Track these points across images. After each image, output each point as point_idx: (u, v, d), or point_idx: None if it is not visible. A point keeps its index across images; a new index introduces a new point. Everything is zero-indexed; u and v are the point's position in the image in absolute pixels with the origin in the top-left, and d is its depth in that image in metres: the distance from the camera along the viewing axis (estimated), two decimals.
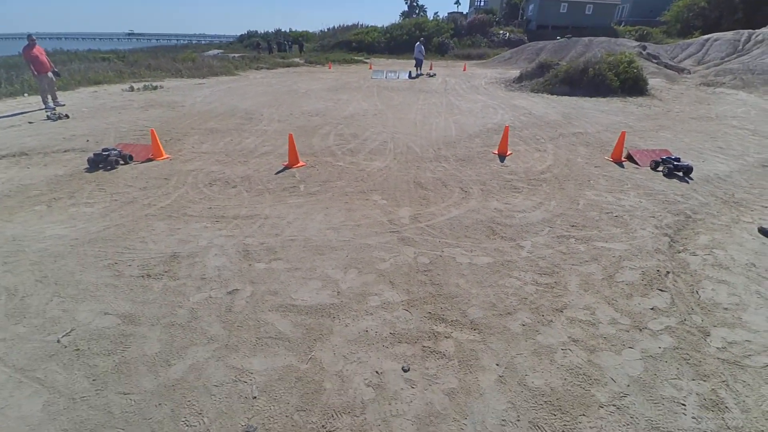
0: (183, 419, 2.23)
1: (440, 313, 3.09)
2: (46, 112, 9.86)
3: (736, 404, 2.36)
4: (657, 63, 18.80)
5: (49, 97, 10.51)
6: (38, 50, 10.21)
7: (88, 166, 6.20)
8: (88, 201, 5.07)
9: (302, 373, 2.53)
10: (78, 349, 2.72)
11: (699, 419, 2.26)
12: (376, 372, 2.55)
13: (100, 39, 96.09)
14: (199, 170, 6.13)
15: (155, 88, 14.44)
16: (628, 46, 20.85)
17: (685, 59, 19.98)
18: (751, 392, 2.44)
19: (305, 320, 2.99)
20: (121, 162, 6.35)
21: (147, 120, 9.40)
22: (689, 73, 18.01)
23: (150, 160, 6.56)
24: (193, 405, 2.32)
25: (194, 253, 3.86)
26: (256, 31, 49.11)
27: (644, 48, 20.56)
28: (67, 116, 9.63)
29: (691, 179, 5.99)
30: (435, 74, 19.88)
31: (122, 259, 3.75)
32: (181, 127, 8.73)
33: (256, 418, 2.24)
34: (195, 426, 2.20)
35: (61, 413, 2.27)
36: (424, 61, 20.94)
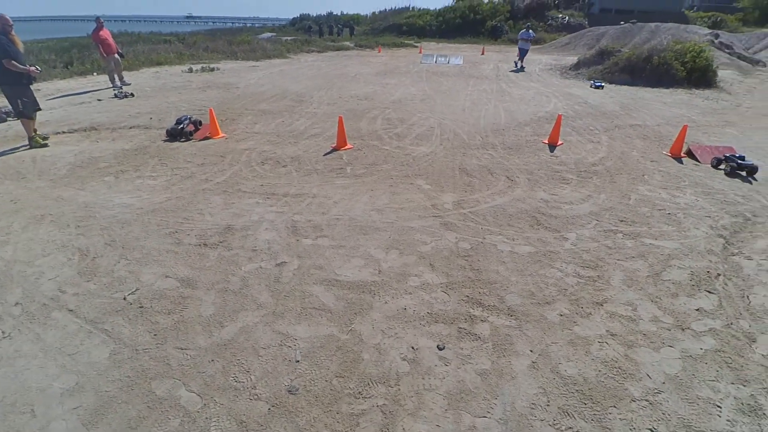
0: (232, 375, 2.45)
1: (478, 297, 3.14)
2: (114, 90, 10.59)
3: None
4: (729, 53, 17.31)
5: (116, 76, 11.20)
6: (105, 33, 10.87)
7: (167, 137, 6.91)
8: (152, 174, 5.48)
9: (342, 343, 2.69)
10: (142, 307, 3.02)
11: (734, 422, 2.21)
12: (412, 348, 2.67)
13: (161, 22, 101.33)
14: (252, 149, 6.43)
15: (212, 69, 15.02)
16: (698, 33, 19.30)
17: (761, 50, 18.33)
18: None
19: (347, 295, 3.15)
20: (194, 128, 7.09)
21: (204, 100, 9.88)
22: (765, 66, 16.52)
23: (207, 138, 6.94)
24: (242, 363, 2.53)
25: (247, 226, 4.12)
26: (308, 14, 49.34)
27: (716, 36, 18.95)
28: (132, 95, 10.30)
29: (755, 180, 5.57)
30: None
31: (182, 229, 4.07)
32: (236, 108, 9.11)
33: (299, 380, 2.42)
34: (243, 382, 2.41)
35: (125, 362, 2.54)
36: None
